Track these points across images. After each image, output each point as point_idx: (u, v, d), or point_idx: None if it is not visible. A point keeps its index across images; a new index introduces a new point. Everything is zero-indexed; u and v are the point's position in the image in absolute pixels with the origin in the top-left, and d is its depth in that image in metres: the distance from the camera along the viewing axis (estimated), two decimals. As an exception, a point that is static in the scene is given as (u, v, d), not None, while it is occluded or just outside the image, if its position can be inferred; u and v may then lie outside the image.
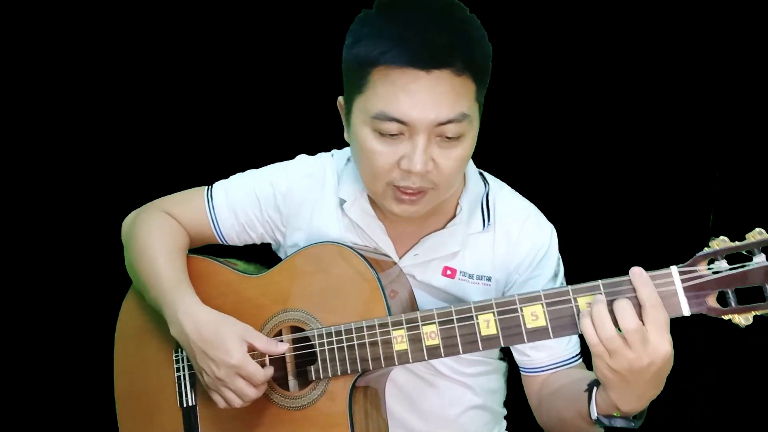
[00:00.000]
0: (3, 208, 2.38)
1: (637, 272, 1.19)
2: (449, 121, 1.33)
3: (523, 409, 1.73)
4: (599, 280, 1.22)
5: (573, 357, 1.53)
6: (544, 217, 1.58)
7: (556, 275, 1.55)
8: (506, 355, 1.69)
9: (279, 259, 1.70)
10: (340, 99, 1.48)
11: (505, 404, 1.75)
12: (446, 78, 1.31)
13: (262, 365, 1.46)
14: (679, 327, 1.21)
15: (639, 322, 1.16)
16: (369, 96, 1.35)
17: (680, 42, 2.07)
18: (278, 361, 1.51)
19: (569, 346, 1.52)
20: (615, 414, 1.26)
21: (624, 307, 1.17)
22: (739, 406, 2.10)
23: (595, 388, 1.29)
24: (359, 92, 1.37)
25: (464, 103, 1.34)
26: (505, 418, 1.76)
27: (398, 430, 1.59)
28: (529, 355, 1.54)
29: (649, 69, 2.10)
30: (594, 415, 1.28)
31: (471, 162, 1.57)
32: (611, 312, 1.18)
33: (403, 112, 1.32)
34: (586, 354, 1.51)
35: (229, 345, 1.42)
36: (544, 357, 1.52)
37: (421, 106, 1.31)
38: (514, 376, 1.71)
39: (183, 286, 1.53)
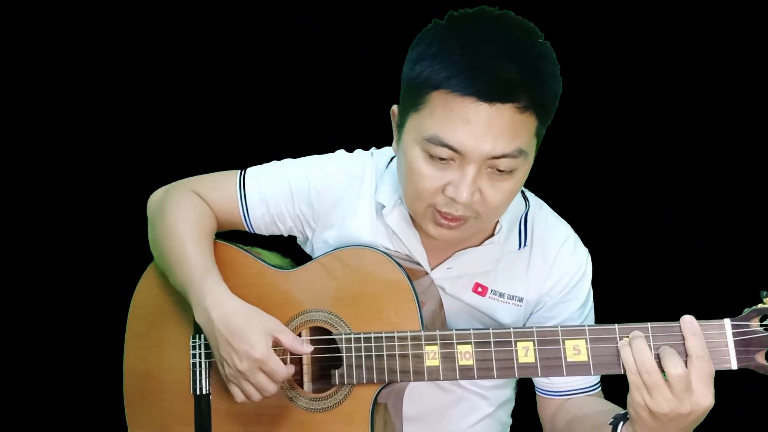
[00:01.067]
0: (17, 192, 2.35)
1: (688, 320, 1.19)
2: (504, 156, 1.29)
3: (526, 419, 1.74)
4: (648, 323, 1.22)
5: (593, 385, 1.53)
6: (580, 241, 1.56)
7: (586, 302, 1.55)
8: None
9: (303, 253, 1.68)
10: (395, 108, 1.44)
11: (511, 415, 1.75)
12: (508, 112, 1.27)
13: (284, 362, 1.44)
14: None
15: (685, 369, 1.17)
16: (425, 116, 1.31)
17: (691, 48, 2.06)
18: (295, 361, 1.48)
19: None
20: None
21: (670, 353, 1.18)
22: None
23: (621, 424, 1.29)
24: (415, 110, 1.33)
25: (523, 139, 1.30)
26: (510, 427, 1.77)
27: None
28: (550, 379, 1.54)
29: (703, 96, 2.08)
30: None
31: None
32: (657, 357, 1.18)
33: (458, 140, 1.28)
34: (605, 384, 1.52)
35: (253, 338, 1.40)
36: (566, 382, 1.52)
37: (478, 138, 1.27)
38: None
39: (212, 274, 1.50)
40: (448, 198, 1.33)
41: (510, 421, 1.74)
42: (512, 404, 1.72)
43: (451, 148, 1.29)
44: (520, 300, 1.53)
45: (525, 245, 1.52)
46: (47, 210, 2.36)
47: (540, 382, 1.56)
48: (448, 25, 1.33)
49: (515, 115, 1.27)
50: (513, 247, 1.52)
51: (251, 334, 1.40)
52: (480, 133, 1.27)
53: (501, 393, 1.65)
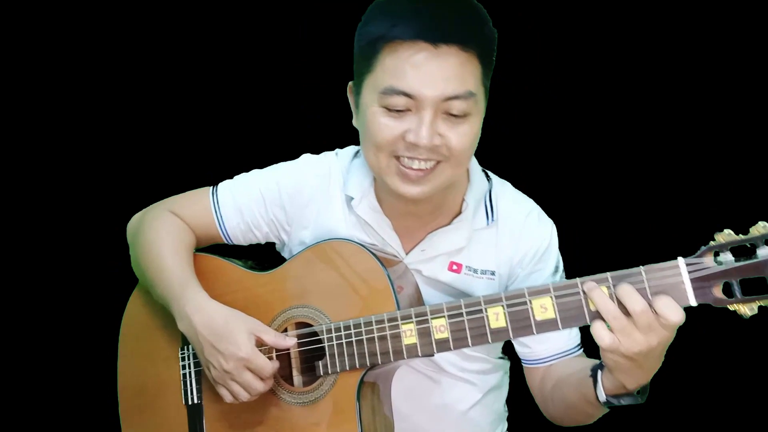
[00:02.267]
0: (12, 206, 2.38)
1: (643, 268, 1.23)
2: (456, 97, 1.37)
3: (524, 409, 1.75)
4: (608, 273, 1.26)
5: (574, 347, 1.56)
6: (544, 213, 1.62)
7: (557, 269, 1.59)
8: (507, 352, 1.72)
9: (283, 260, 1.72)
10: (350, 84, 1.51)
11: (507, 404, 1.77)
12: (454, 54, 1.36)
13: (269, 359, 1.47)
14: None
15: (645, 303, 1.21)
16: (378, 73, 1.39)
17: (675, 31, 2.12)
18: (283, 357, 1.52)
19: (571, 336, 1.55)
20: (622, 393, 1.30)
21: (628, 293, 1.22)
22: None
23: (599, 372, 1.33)
24: (369, 71, 1.41)
25: (471, 81, 1.38)
26: (507, 419, 1.78)
27: (406, 428, 1.60)
28: (530, 347, 1.57)
29: (645, 59, 2.13)
30: (602, 398, 1.32)
31: (474, 160, 1.61)
32: (617, 300, 1.23)
33: (410, 85, 1.36)
34: (586, 345, 1.55)
35: (238, 338, 1.43)
36: (546, 348, 1.56)
37: (429, 80, 1.35)
38: (514, 376, 1.74)
39: (191, 282, 1.54)
40: (410, 144, 1.39)
41: (505, 411, 1.76)
42: (504, 391, 1.74)
43: (405, 94, 1.37)
44: (493, 274, 1.57)
45: (492, 221, 1.57)
46: (46, 218, 2.40)
47: (523, 353, 1.60)
48: None
49: (461, 55, 1.36)
50: (481, 223, 1.57)
51: (235, 335, 1.44)
52: (430, 75, 1.35)
53: (489, 378, 1.67)
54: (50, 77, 2.35)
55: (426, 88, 1.36)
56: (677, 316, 1.19)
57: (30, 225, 2.38)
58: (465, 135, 1.41)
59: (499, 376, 1.71)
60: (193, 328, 1.48)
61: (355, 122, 1.51)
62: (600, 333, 1.22)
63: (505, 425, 1.77)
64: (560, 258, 1.60)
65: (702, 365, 2.08)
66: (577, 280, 1.28)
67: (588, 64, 2.17)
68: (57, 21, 2.32)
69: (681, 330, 1.22)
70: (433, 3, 1.37)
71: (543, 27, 2.19)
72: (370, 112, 1.42)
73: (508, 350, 1.69)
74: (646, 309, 1.20)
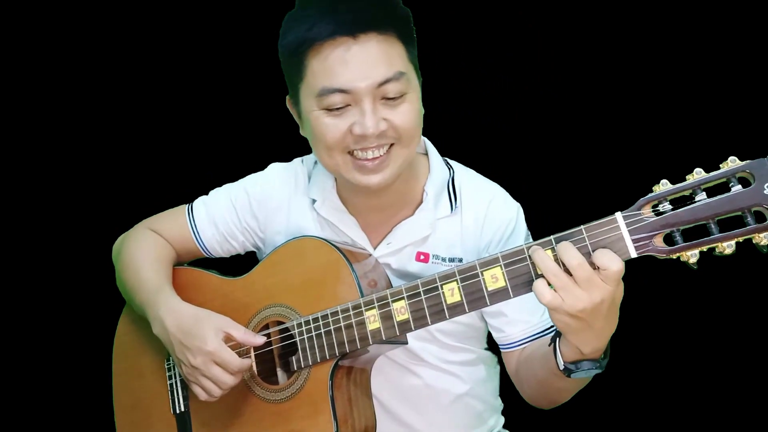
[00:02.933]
0: (4, 217, 2.46)
1: (585, 225, 1.23)
2: (387, 81, 1.40)
3: (521, 403, 1.74)
4: (551, 236, 1.26)
5: (547, 329, 1.55)
6: (510, 196, 1.62)
7: None
8: (492, 346, 1.71)
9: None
10: (288, 99, 1.56)
11: (504, 401, 1.76)
12: (374, 40, 1.41)
13: (244, 357, 1.50)
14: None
15: (581, 257, 1.20)
16: (309, 78, 1.44)
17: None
18: (266, 356, 1.55)
19: (543, 317, 1.54)
20: (580, 359, 1.29)
21: (566, 248, 1.21)
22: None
23: (558, 339, 1.33)
24: (301, 79, 1.46)
25: (398, 61, 1.42)
26: (504, 413, 1.77)
27: (391, 422, 1.61)
28: (504, 330, 1.56)
29: (642, 58, 2.16)
30: (561, 365, 1.31)
31: (434, 150, 1.64)
32: (557, 260, 1.23)
33: (342, 81, 1.40)
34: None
35: (204, 333, 1.47)
36: (519, 331, 1.55)
37: (358, 71, 1.40)
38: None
39: (164, 288, 1.59)
40: (358, 136, 1.43)
41: (499, 403, 1.75)
42: (495, 384, 1.73)
43: (340, 90, 1.41)
44: (460, 260, 1.57)
45: (456, 208, 1.58)
46: (37, 239, 2.46)
47: (498, 338, 1.59)
48: (297, 1, 1.49)
49: (381, 40, 1.41)
50: (445, 211, 1.58)
51: (202, 331, 1.48)
52: (358, 67, 1.40)
53: (473, 370, 1.67)
54: (47, 84, 2.43)
55: (358, 80, 1.40)
56: (615, 265, 1.18)
57: (26, 236, 2.46)
58: (407, 113, 1.44)
59: (484, 369, 1.70)
60: (165, 329, 1.53)
61: (302, 132, 1.56)
62: (540, 289, 1.22)
63: (501, 418, 1.76)
64: (530, 238, 1.60)
65: (663, 331, 2.05)
66: (523, 246, 1.28)
67: (588, 62, 2.20)
68: (47, 28, 2.40)
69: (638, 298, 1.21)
70: None
71: (543, 26, 2.22)
72: (313, 117, 1.46)
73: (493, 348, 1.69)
74: (582, 262, 1.20)
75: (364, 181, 1.48)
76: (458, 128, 2.19)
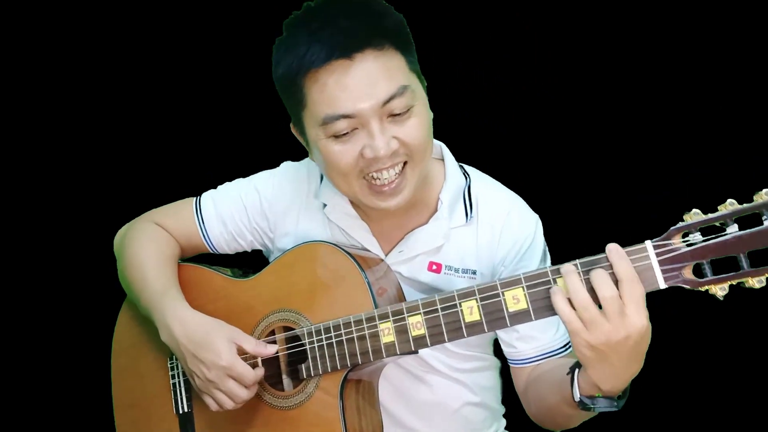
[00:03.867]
0: (16, 208, 2.43)
1: (612, 248, 1.20)
2: (391, 97, 1.35)
3: (522, 407, 1.73)
4: (576, 260, 1.24)
5: (561, 348, 1.53)
6: (528, 207, 1.58)
7: (544, 265, 1.55)
8: (497, 350, 1.70)
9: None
10: (292, 126, 1.51)
11: (505, 402, 1.75)
12: (371, 57, 1.34)
13: (254, 366, 1.47)
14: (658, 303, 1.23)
15: (616, 290, 1.18)
16: (310, 106, 1.39)
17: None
18: (272, 362, 1.52)
19: (557, 336, 1.52)
20: (597, 395, 1.26)
21: (600, 276, 1.18)
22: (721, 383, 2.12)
23: (577, 370, 1.30)
24: (302, 107, 1.41)
25: (398, 75, 1.37)
26: (505, 416, 1.76)
27: (395, 428, 1.59)
28: (516, 346, 1.54)
29: (641, 59, 2.14)
30: (577, 397, 1.28)
31: (451, 156, 1.60)
32: (588, 284, 1.20)
33: (345, 106, 1.35)
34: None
35: (218, 347, 1.44)
36: (531, 348, 1.53)
37: (359, 93, 1.34)
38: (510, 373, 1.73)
39: (172, 292, 1.55)
40: (370, 159, 1.38)
41: (501, 408, 1.74)
42: (498, 390, 1.72)
43: (344, 116, 1.36)
44: (474, 273, 1.55)
45: (472, 217, 1.55)
46: (35, 234, 2.43)
47: (509, 353, 1.57)
48: (284, 29, 1.43)
49: (378, 56, 1.35)
50: (460, 221, 1.55)
51: (215, 344, 1.45)
52: (359, 89, 1.34)
53: (480, 378, 1.65)
54: (46, 83, 2.38)
55: (360, 102, 1.34)
56: (638, 288, 1.17)
57: (21, 240, 2.42)
58: (416, 127, 1.39)
59: (491, 375, 1.69)
60: (174, 338, 1.49)
61: (311, 158, 1.51)
62: (560, 305, 1.20)
63: (503, 422, 1.75)
64: (547, 253, 1.57)
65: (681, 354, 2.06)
66: (547, 268, 1.26)
67: (585, 63, 2.17)
68: (46, 29, 2.35)
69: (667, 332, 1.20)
70: (330, 19, 1.35)
71: (540, 27, 2.19)
72: (321, 146, 1.41)
73: (498, 349, 1.68)
74: (615, 295, 1.17)
75: (383, 205, 1.44)
76: (455, 130, 2.17)
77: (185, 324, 1.49)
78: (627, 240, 1.99)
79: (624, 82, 2.15)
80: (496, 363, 1.70)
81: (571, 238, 1.60)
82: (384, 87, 1.35)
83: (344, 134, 1.38)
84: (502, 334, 1.56)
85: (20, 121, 2.40)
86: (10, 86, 2.38)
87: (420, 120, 1.40)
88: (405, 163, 1.41)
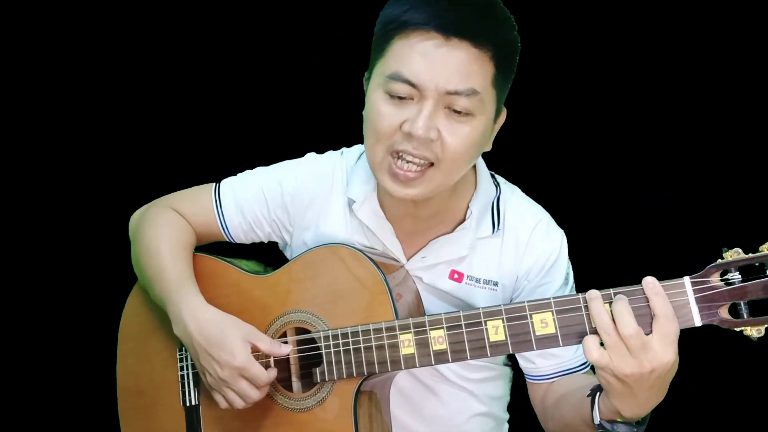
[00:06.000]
0: (10, 205, 2.39)
1: (650, 281, 1.18)
2: (457, 93, 1.32)
3: (525, 413, 1.72)
4: (611, 289, 1.22)
5: (580, 366, 1.52)
6: (554, 223, 1.56)
7: (566, 282, 1.54)
8: (510, 360, 1.69)
9: (285, 259, 1.70)
10: (365, 77, 1.47)
11: (509, 410, 1.74)
12: (464, 49, 1.31)
13: (266, 366, 1.45)
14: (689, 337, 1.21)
15: (637, 327, 1.17)
16: (388, 58, 1.36)
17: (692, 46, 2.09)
18: (282, 362, 1.50)
19: (576, 354, 1.51)
20: (618, 420, 1.26)
21: (622, 313, 1.17)
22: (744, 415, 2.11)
23: (598, 394, 1.29)
24: (381, 56, 1.37)
25: (477, 79, 1.33)
26: (508, 422, 1.75)
27: None
28: (535, 362, 1.53)
29: (662, 71, 2.11)
30: (597, 420, 1.28)
31: (483, 164, 1.57)
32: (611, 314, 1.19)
33: (414, 72, 1.32)
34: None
35: (233, 346, 1.41)
36: (551, 365, 1.52)
37: (433, 70, 1.31)
38: (515, 380, 1.71)
39: (188, 285, 1.52)
40: (405, 134, 1.34)
41: (506, 416, 1.73)
42: (506, 400, 1.71)
43: (408, 82, 1.32)
44: (495, 284, 1.53)
45: (498, 230, 1.52)
46: (45, 217, 2.40)
47: (527, 368, 1.56)
48: None
49: (470, 55, 1.32)
50: (486, 232, 1.53)
51: (230, 343, 1.42)
52: (435, 66, 1.31)
53: (490, 388, 1.64)
54: (52, 76, 2.35)
55: (429, 77, 1.31)
56: (671, 325, 1.16)
57: (30, 224, 2.39)
58: (463, 137, 1.35)
59: (501, 385, 1.68)
60: (188, 334, 1.46)
61: (364, 113, 1.46)
62: (589, 345, 1.19)
63: (505, 428, 1.74)
64: (571, 271, 1.55)
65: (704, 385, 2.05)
66: (580, 295, 1.24)
67: (589, 64, 2.14)
68: (60, 21, 2.32)
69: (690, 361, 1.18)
70: None
71: (542, 28, 2.15)
72: (374, 98, 1.37)
73: (512, 359, 1.67)
74: (637, 333, 1.16)
75: (391, 188, 1.40)
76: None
77: (200, 320, 1.46)
78: (629, 240, 1.98)
79: (624, 80, 2.13)
80: (506, 373, 1.69)
81: (569, 238, 1.57)
82: (457, 79, 1.31)
83: (399, 98, 1.34)
84: None
85: (21, 125, 2.38)
86: (29, 81, 2.36)
87: (471, 133, 1.36)
88: (431, 165, 1.37)
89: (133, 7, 2.29)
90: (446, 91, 1.32)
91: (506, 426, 1.74)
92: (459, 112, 1.34)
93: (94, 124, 2.37)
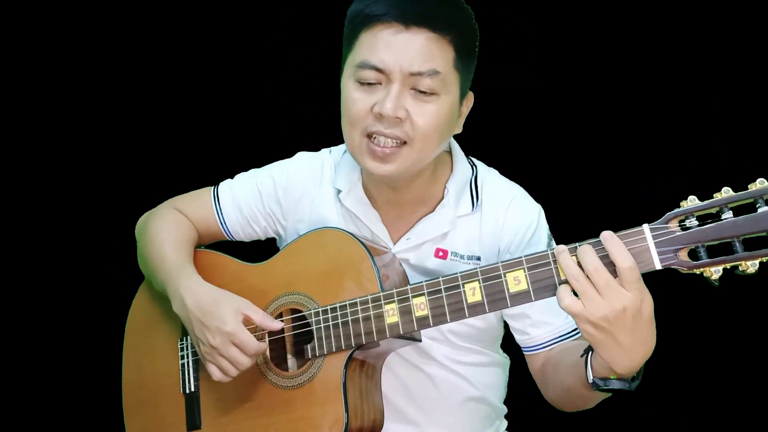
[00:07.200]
0: (20, 205, 2.48)
1: (607, 234, 1.24)
2: (420, 73, 1.44)
3: (524, 408, 1.76)
4: (576, 243, 1.28)
5: (572, 331, 1.56)
6: (531, 198, 1.64)
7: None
8: (508, 349, 1.73)
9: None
10: (340, 72, 1.58)
11: (508, 404, 1.77)
12: (423, 34, 1.44)
13: (260, 340, 1.52)
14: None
15: (600, 263, 1.22)
16: (356, 50, 1.49)
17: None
18: (279, 342, 1.56)
19: (568, 320, 1.55)
20: (611, 377, 1.29)
21: (585, 252, 1.23)
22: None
23: (590, 353, 1.33)
24: (350, 49, 1.50)
25: (438, 62, 1.45)
26: (507, 417, 1.78)
27: (397, 422, 1.62)
28: (529, 333, 1.58)
29: (656, 68, 2.18)
30: (590, 378, 1.32)
31: (459, 148, 1.66)
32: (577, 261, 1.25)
33: (380, 58, 1.44)
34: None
35: (223, 313, 1.50)
36: (544, 333, 1.56)
37: (396, 55, 1.44)
38: (513, 374, 1.75)
39: (187, 266, 1.62)
40: (376, 115, 1.46)
41: (504, 408, 1.76)
42: (502, 390, 1.75)
43: (375, 68, 1.45)
44: (479, 259, 1.59)
45: (477, 206, 1.60)
46: (55, 217, 2.48)
47: (522, 340, 1.60)
48: None
49: (430, 40, 1.45)
50: (466, 209, 1.61)
51: (221, 311, 1.51)
52: (399, 51, 1.44)
53: (483, 374, 1.68)
54: (55, 78, 2.44)
55: (394, 61, 1.44)
56: (626, 262, 1.20)
57: (37, 225, 2.48)
58: (430, 115, 1.46)
59: (495, 373, 1.71)
60: (185, 307, 1.55)
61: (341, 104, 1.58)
62: (561, 294, 1.24)
63: (504, 423, 1.77)
64: (552, 240, 1.61)
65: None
66: (548, 251, 1.30)
67: (581, 61, 2.21)
68: (60, 22, 2.41)
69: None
70: None
71: (536, 25, 2.24)
72: (346, 88, 1.50)
73: (510, 349, 1.70)
74: (599, 267, 1.21)
75: (371, 166, 1.50)
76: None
77: (196, 293, 1.55)
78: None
79: (619, 77, 2.19)
80: (500, 361, 1.73)
81: (564, 236, 1.61)
82: (420, 61, 1.44)
83: (369, 84, 1.46)
84: (514, 323, 1.60)
85: (22, 126, 2.46)
86: (32, 86, 2.45)
87: (438, 111, 1.47)
88: (404, 143, 1.47)
89: (133, 9, 2.40)
90: (410, 73, 1.44)
91: (505, 422, 1.77)
92: (424, 92, 1.45)
93: (94, 124, 2.46)
